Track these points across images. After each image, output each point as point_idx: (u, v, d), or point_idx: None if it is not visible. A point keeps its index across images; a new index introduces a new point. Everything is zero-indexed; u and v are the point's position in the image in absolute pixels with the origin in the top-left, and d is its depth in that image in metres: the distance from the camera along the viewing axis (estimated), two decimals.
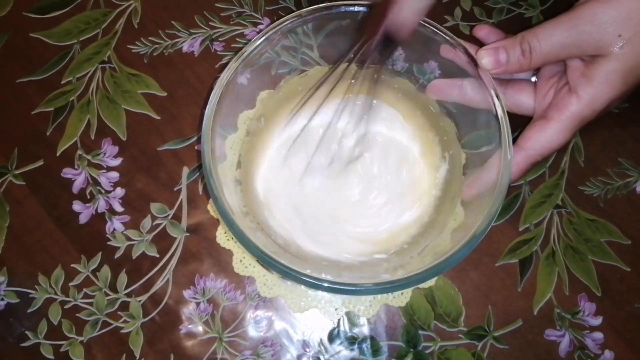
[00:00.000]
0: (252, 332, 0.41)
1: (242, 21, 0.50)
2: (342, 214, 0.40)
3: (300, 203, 0.40)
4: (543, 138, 0.37)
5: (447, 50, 0.38)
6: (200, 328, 0.41)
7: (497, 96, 0.36)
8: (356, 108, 0.41)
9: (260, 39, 0.38)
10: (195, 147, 0.46)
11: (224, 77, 0.37)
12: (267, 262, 0.32)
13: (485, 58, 0.38)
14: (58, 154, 0.46)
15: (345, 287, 0.32)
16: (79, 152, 0.46)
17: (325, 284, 0.32)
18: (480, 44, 0.41)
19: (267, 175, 0.41)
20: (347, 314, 0.41)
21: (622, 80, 0.35)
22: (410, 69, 0.44)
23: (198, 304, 0.42)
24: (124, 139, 0.46)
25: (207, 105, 0.36)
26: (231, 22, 0.50)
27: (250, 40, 0.42)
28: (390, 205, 0.40)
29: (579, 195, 0.44)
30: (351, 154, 0.41)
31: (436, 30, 0.38)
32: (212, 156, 0.35)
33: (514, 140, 0.36)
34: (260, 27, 0.50)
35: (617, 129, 0.46)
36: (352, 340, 0.41)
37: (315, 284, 0.32)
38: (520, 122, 0.40)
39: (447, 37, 0.38)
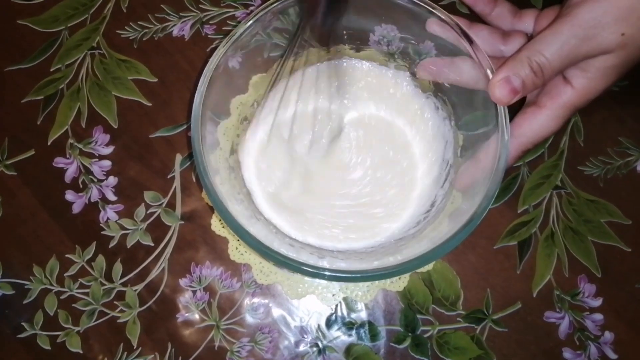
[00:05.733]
0: (250, 319, 0.41)
1: (233, 3, 0.49)
2: (335, 202, 0.40)
3: (293, 194, 0.40)
4: (535, 125, 0.36)
5: (437, 25, 0.37)
6: (197, 316, 0.41)
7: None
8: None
9: (250, 20, 0.37)
10: (188, 134, 0.45)
11: (213, 61, 0.36)
12: (259, 250, 0.32)
13: (500, 92, 0.33)
14: (49, 143, 0.45)
15: (342, 275, 0.31)
16: (70, 140, 0.45)
17: (327, 273, 0.31)
18: (478, 19, 0.40)
19: (255, 163, 0.41)
20: (345, 299, 0.41)
21: (617, 72, 0.35)
22: (405, 49, 0.43)
23: (194, 292, 0.41)
24: (115, 127, 0.45)
25: (197, 91, 0.35)
26: (222, 5, 0.49)
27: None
28: (386, 195, 0.40)
29: (578, 176, 0.43)
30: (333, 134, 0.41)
31: (431, 10, 0.37)
32: (203, 143, 0.34)
33: None
34: (252, 9, 0.48)
35: (617, 107, 0.45)
36: (350, 326, 0.41)
37: (313, 273, 0.31)
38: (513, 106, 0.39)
39: (440, 15, 0.36)
